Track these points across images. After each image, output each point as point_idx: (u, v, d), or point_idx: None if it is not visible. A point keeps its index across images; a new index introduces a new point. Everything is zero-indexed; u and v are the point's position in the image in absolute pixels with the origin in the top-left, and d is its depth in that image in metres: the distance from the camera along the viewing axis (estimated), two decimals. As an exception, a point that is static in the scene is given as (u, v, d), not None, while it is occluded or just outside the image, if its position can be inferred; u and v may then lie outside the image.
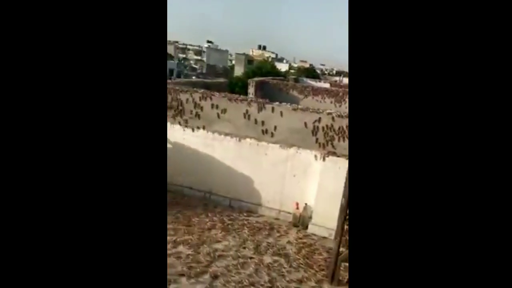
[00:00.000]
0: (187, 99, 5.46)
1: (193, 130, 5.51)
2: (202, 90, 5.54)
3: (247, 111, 5.22)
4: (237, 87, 15.12)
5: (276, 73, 20.06)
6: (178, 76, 30.55)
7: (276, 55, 58.64)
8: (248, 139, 5.29)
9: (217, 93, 5.50)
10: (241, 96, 5.67)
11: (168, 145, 5.73)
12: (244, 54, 49.33)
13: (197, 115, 5.46)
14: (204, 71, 45.47)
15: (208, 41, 53.01)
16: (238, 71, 43.16)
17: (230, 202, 5.56)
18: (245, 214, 5.27)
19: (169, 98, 5.54)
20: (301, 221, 5.06)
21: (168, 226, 4.59)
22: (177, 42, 53.27)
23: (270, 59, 41.65)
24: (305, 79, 18.24)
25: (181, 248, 4.09)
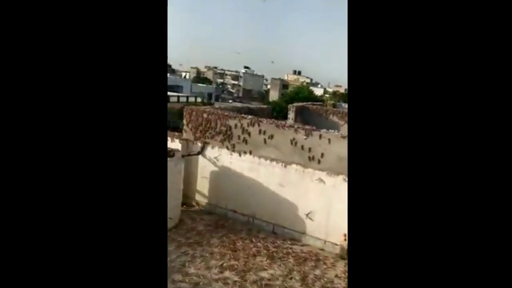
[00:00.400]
0: (236, 125, 5.66)
1: (240, 154, 5.66)
2: (250, 117, 5.73)
3: (294, 137, 5.27)
4: (274, 112, 15.35)
5: (313, 98, 20.15)
6: (216, 99, 31.95)
7: (311, 80, 59.13)
8: (294, 165, 5.29)
9: (265, 119, 5.64)
10: (288, 122, 5.75)
11: (215, 168, 5.91)
12: (279, 79, 50.46)
13: (245, 140, 5.61)
14: (240, 95, 47.03)
15: (245, 67, 55.24)
16: (273, 95, 43.95)
17: (273, 228, 5.50)
18: (289, 242, 5.16)
19: (218, 123, 5.79)
20: (349, 254, 4.82)
21: (214, 249, 4.64)
22: (215, 67, 56.12)
23: (305, 84, 42.08)
24: (343, 104, 18.05)
25: (227, 273, 4.09)
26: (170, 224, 5.07)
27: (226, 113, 5.83)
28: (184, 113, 6.12)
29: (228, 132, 5.70)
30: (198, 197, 6.15)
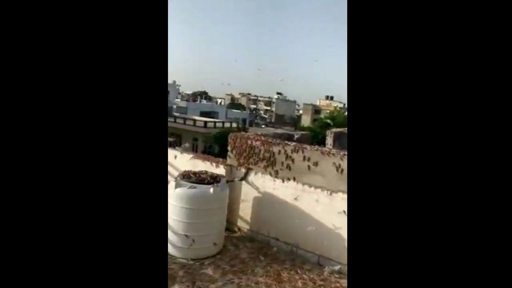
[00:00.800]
0: (279, 151, 5.69)
1: (283, 181, 5.63)
2: (294, 144, 5.75)
3: (339, 164, 5.15)
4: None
5: (349, 123, 19.89)
6: (250, 124, 32.70)
7: (344, 104, 58.53)
8: (340, 194, 5.13)
9: (308, 146, 5.62)
10: (333, 149, 5.68)
11: (258, 194, 5.92)
12: (311, 104, 50.61)
13: (288, 167, 5.60)
14: (273, 120, 47.66)
15: (278, 93, 56.38)
16: (305, 120, 43.96)
17: (318, 259, 5.27)
18: (336, 276, 4.89)
19: (262, 149, 5.87)
20: (404, 293, 4.44)
21: (259, 279, 4.53)
22: (249, 94, 58.00)
23: (338, 109, 41.69)
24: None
25: (275, 306, 3.94)
26: (215, 250, 5.08)
27: (270, 140, 5.92)
28: (229, 140, 6.31)
29: (272, 159, 5.74)
30: (240, 223, 6.14)
